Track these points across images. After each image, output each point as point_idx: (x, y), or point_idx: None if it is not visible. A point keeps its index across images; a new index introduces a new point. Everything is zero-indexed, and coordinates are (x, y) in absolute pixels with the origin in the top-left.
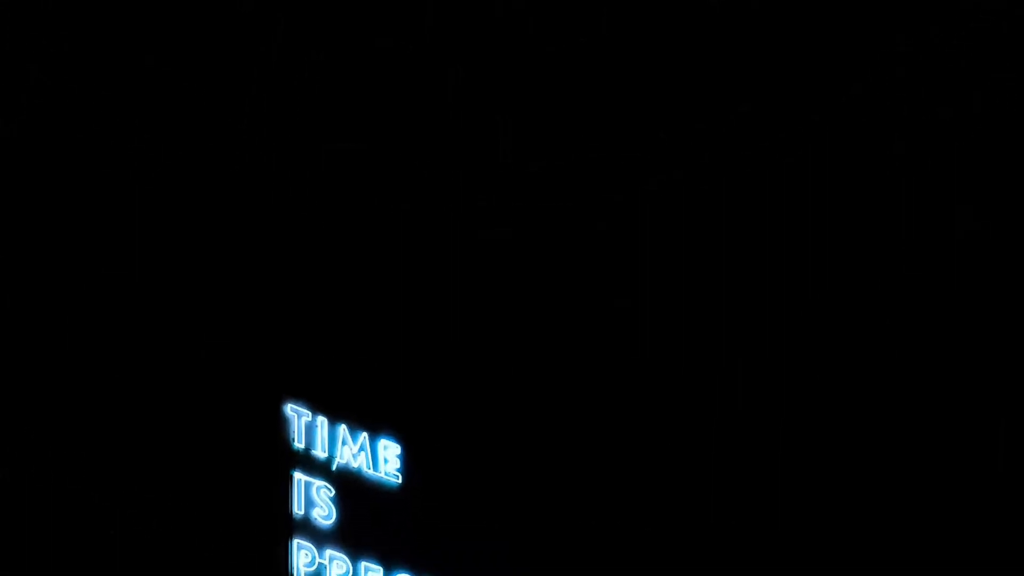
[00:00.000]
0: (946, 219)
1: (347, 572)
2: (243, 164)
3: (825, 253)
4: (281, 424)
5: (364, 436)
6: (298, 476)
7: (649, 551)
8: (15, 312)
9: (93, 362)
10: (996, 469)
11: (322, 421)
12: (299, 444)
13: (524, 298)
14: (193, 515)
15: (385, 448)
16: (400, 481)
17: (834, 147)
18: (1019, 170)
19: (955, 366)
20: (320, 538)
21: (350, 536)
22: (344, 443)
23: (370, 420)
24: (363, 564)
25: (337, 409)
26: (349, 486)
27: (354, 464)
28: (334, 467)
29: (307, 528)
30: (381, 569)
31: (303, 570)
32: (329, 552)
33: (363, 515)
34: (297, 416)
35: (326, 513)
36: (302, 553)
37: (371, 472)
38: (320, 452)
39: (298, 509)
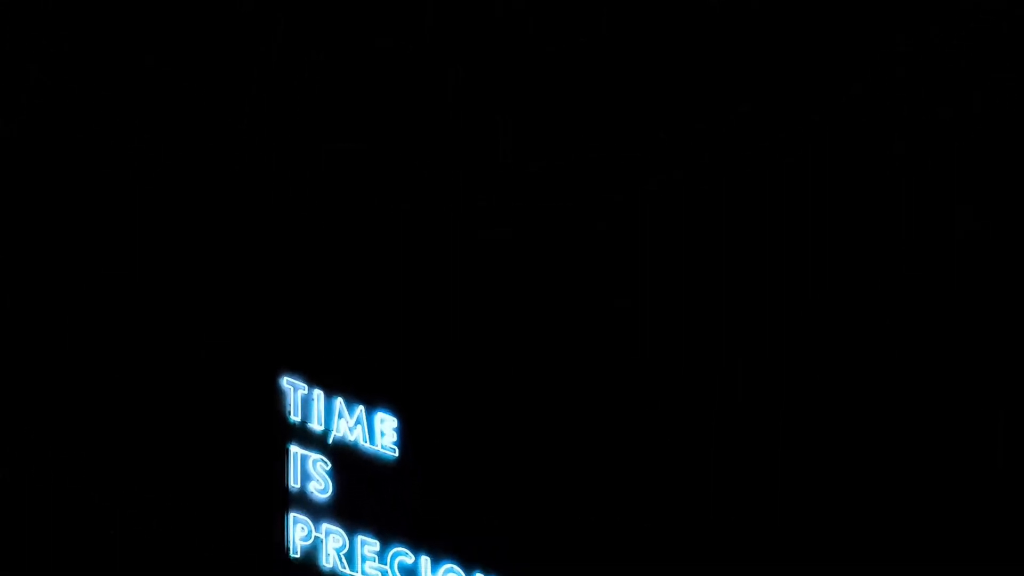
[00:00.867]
0: (946, 219)
1: (343, 546)
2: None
3: (825, 253)
4: (277, 397)
5: (361, 409)
6: (294, 449)
7: (645, 526)
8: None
9: (87, 332)
10: (996, 469)
11: (318, 394)
12: (295, 417)
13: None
14: (189, 489)
15: (382, 421)
16: (397, 454)
17: (834, 147)
18: (1019, 170)
19: (955, 366)
20: (316, 512)
21: (346, 510)
22: (340, 416)
23: (367, 393)
24: (359, 538)
25: (333, 382)
26: (345, 459)
27: (350, 437)
28: (330, 440)
29: (303, 502)
30: (378, 543)
31: (299, 544)
32: (325, 526)
33: (360, 489)
34: (293, 389)
35: (322, 487)
36: (298, 527)
37: (367, 445)
38: (316, 425)
39: (294, 483)
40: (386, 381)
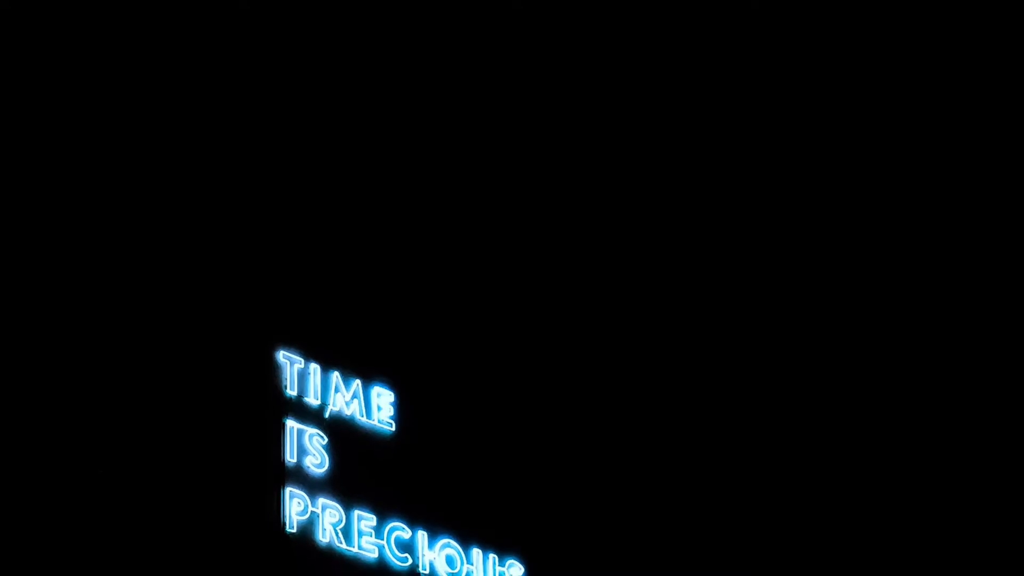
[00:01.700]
0: (946, 219)
1: (340, 520)
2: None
3: (826, 252)
4: (273, 371)
5: (357, 383)
6: (290, 424)
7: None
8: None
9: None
10: (996, 468)
11: (315, 368)
12: (291, 391)
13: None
14: (186, 464)
15: (378, 395)
16: (393, 429)
17: (834, 147)
18: (1019, 170)
19: (955, 365)
20: (313, 486)
21: (343, 484)
22: (337, 390)
23: (364, 367)
24: (356, 512)
25: (330, 356)
26: (342, 434)
27: (347, 412)
28: (327, 415)
29: (299, 476)
30: (374, 517)
31: (295, 518)
32: (322, 500)
33: (356, 463)
34: (290, 363)
35: (319, 461)
36: (295, 501)
37: (364, 420)
38: (313, 399)
39: (290, 457)
40: (383, 355)
